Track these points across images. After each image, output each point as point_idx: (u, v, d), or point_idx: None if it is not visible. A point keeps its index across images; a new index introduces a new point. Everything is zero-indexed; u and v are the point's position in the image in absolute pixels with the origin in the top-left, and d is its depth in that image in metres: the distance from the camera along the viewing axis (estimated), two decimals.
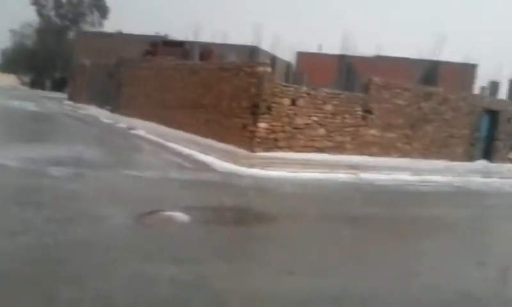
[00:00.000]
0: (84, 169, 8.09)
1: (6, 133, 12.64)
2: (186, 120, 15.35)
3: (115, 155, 10.75)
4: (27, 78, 54.66)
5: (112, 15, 53.94)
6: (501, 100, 18.67)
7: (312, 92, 12.96)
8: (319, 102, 13.03)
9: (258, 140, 12.08)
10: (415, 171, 12.31)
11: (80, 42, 40.50)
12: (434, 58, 23.16)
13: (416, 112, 15.33)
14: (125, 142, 13.33)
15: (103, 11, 53.64)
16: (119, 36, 39.44)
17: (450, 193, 10.72)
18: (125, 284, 3.66)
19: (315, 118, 12.95)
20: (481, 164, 16.51)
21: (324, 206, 7.71)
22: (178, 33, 34.44)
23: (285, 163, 10.87)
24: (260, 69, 12.38)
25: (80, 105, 25.66)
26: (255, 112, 12.18)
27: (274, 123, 12.29)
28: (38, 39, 52.97)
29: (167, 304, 3.46)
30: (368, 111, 14.03)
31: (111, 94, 22.85)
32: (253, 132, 12.17)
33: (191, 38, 21.81)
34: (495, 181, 13.05)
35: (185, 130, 14.88)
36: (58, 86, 45.92)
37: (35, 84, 49.96)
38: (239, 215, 6.53)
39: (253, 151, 11.94)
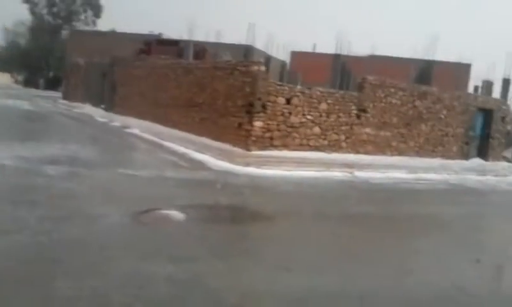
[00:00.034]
0: (79, 167, 8.04)
1: (0, 132, 12.54)
2: (181, 119, 15.31)
3: (110, 154, 10.70)
4: (20, 77, 54.39)
5: (105, 14, 53.76)
6: (495, 99, 18.81)
7: (307, 91, 12.97)
8: (314, 100, 13.04)
9: (253, 138, 12.07)
10: (410, 169, 12.35)
11: (74, 41, 40.18)
12: (428, 58, 23.24)
13: (411, 111, 15.40)
14: (120, 140, 13.26)
15: (96, 10, 53.33)
16: (112, 35, 39.26)
17: (445, 191, 10.76)
18: (121, 283, 3.63)
19: (310, 117, 12.96)
20: (476, 162, 16.64)
21: (319, 205, 7.70)
22: (172, 32, 34.27)
23: (281, 161, 10.88)
24: (255, 68, 12.37)
25: (74, 104, 25.52)
26: (250, 110, 12.17)
27: (269, 122, 12.29)
28: (31, 38, 52.65)
29: (163, 302, 3.44)
30: (362, 110, 14.06)
31: (105, 93, 22.77)
32: (248, 130, 12.16)
33: (185, 37, 21.70)
34: (489, 179, 13.14)
35: (180, 129, 14.84)
36: (52, 84, 45.72)
37: (29, 82, 49.72)
38: (235, 214, 6.52)
39: (248, 149, 11.94)
